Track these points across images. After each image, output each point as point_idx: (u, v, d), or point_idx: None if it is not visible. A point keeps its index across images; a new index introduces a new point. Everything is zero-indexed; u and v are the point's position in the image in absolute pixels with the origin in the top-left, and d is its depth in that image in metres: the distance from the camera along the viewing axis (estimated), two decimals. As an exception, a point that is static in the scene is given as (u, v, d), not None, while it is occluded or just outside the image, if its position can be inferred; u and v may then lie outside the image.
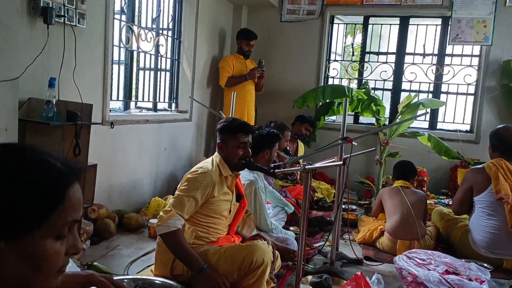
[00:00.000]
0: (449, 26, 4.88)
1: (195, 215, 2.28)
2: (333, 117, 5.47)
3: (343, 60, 5.65)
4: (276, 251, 2.58)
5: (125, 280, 2.01)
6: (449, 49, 5.09)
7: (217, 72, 4.85)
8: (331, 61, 5.53)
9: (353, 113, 5.35)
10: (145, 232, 3.31)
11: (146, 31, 3.85)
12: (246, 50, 4.84)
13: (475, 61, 4.99)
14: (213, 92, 5.10)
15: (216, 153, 2.36)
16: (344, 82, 5.62)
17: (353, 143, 2.72)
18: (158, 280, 2.04)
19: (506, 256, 2.91)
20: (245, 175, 2.96)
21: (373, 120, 5.16)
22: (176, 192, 2.24)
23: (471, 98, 5.04)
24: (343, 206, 4.15)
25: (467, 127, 5.09)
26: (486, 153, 3.32)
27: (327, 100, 4.98)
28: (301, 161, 2.69)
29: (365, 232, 3.37)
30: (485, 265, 2.75)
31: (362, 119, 5.47)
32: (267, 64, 5.08)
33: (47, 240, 0.69)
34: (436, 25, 5.10)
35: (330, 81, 5.51)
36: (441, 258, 2.53)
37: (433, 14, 5.04)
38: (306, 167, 2.04)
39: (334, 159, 2.94)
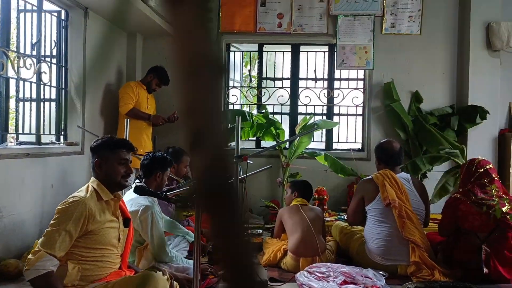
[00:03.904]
0: (335, 53, 5.24)
1: (78, 250, 2.03)
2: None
3: (241, 87, 5.75)
4: (175, 282, 2.42)
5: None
6: (337, 74, 5.45)
7: (112, 101, 4.61)
8: (230, 88, 5.59)
9: (255, 138, 5.42)
10: (26, 279, 2.90)
11: (25, 57, 3.53)
12: (152, 88, 4.73)
13: (361, 84, 5.40)
14: (109, 122, 4.82)
15: (92, 178, 2.17)
16: (245, 109, 5.71)
17: (248, 161, 2.71)
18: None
19: (399, 262, 3.05)
20: (139, 200, 2.78)
21: (274, 143, 5.27)
22: (46, 229, 1.99)
23: (360, 119, 5.41)
24: (249, 231, 4.13)
25: (359, 146, 5.43)
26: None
27: (228, 125, 4.99)
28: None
29: (269, 254, 3.33)
30: (381, 272, 2.85)
31: (264, 144, 5.56)
32: (165, 91, 5.00)
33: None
34: (324, 51, 5.45)
35: (230, 108, 5.55)
36: (340, 269, 2.57)
37: (320, 42, 5.38)
38: (196, 186, 1.94)
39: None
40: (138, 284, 2.02)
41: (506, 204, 3.01)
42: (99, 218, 2.05)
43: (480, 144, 4.92)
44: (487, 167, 3.11)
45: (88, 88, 4.30)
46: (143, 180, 2.95)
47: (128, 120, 3.74)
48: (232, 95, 5.58)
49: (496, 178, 3.11)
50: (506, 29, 4.85)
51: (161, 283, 2.07)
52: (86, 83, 4.28)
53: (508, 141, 4.82)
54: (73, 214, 1.96)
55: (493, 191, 3.02)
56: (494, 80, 5.00)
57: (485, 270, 2.85)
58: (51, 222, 1.98)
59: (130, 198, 2.82)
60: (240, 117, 2.85)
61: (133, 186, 2.78)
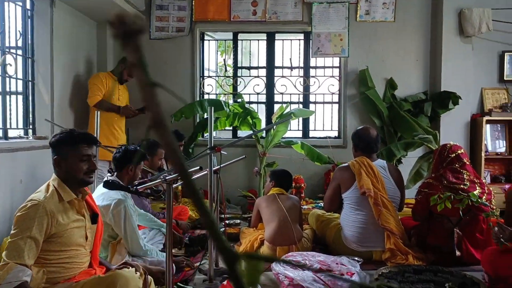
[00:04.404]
0: (311, 41, 5.21)
1: (42, 254, 1.90)
2: (213, 133, 5.42)
3: (217, 76, 5.67)
4: (149, 277, 2.37)
5: None
6: (313, 62, 5.43)
7: (82, 93, 4.48)
8: (205, 78, 5.51)
9: (231, 128, 5.37)
10: (-5, 279, 2.81)
11: (-12, 49, 3.39)
12: (124, 79, 4.57)
13: (336, 72, 5.40)
14: (79, 115, 4.69)
15: (53, 175, 2.06)
16: (221, 98, 5.64)
17: (222, 152, 2.68)
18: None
19: (375, 248, 3.09)
20: (111, 194, 2.71)
21: (250, 132, 5.23)
22: (8, 240, 1.89)
23: (336, 106, 5.42)
24: (226, 221, 4.11)
25: (336, 133, 5.44)
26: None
27: (205, 114, 4.94)
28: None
29: (246, 244, 3.32)
30: (356, 258, 2.88)
31: (240, 133, 5.52)
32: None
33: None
34: (299, 39, 5.42)
35: (206, 98, 5.48)
36: (315, 258, 2.58)
37: (295, 30, 5.35)
38: (167, 177, 1.89)
39: (206, 172, 2.86)
40: (107, 286, 1.94)
41: (478, 188, 3.06)
42: (62, 220, 1.95)
43: (452, 129, 5.00)
44: (459, 152, 3.15)
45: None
46: (115, 173, 2.87)
47: (99, 112, 3.64)
48: (208, 85, 5.51)
49: (467, 163, 3.16)
50: (477, 15, 4.91)
51: (132, 281, 2.00)
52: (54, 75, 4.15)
53: (479, 125, 4.91)
54: (34, 220, 1.84)
55: (465, 175, 3.06)
56: (466, 65, 5.07)
57: (458, 253, 2.90)
58: (12, 232, 1.86)
59: (101, 192, 2.74)
60: (213, 107, 2.80)
61: (104, 180, 2.71)
